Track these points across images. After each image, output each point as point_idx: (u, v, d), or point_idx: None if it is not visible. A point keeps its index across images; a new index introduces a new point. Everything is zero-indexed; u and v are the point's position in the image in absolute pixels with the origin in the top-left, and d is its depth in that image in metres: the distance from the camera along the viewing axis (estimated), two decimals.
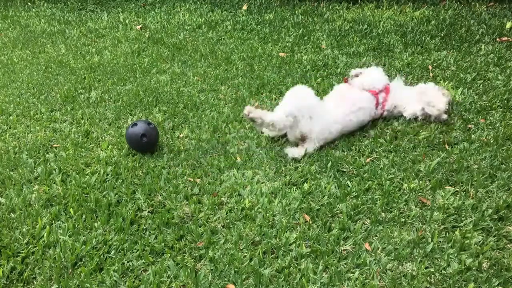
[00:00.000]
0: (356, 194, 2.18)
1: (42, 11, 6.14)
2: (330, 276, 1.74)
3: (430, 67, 3.50)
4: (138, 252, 1.91)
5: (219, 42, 4.47)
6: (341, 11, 5.12)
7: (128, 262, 1.88)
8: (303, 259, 1.83)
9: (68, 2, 6.41)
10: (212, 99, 3.26)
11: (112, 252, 1.92)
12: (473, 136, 2.56)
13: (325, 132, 2.52)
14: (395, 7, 5.01)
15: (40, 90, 3.59)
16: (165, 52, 4.28)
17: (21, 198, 2.27)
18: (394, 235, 1.93)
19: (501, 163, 2.31)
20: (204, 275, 1.79)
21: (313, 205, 2.12)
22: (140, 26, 5.17)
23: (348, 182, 2.27)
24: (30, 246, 1.98)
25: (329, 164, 2.39)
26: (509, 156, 2.36)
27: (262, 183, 2.32)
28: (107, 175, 2.44)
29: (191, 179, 2.37)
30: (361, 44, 4.09)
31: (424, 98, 2.72)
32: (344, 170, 2.37)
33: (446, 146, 2.50)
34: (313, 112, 2.49)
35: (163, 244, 1.95)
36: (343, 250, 1.88)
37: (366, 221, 2.03)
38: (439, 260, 1.80)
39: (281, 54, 4.02)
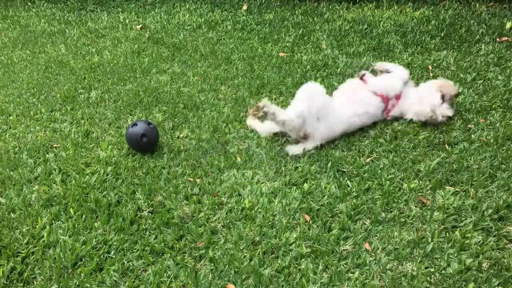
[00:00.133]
0: (356, 194, 2.18)
1: (42, 11, 6.14)
2: (330, 276, 1.74)
3: (430, 67, 3.50)
4: (138, 252, 1.91)
5: (219, 42, 4.47)
6: (341, 11, 5.12)
7: (128, 262, 1.88)
8: (303, 259, 1.83)
9: (68, 2, 6.41)
10: (212, 99, 3.26)
11: (112, 252, 1.92)
12: (473, 136, 2.56)
13: (329, 132, 2.54)
14: (395, 7, 5.01)
15: (40, 90, 3.59)
16: (165, 52, 4.28)
17: (21, 198, 2.27)
18: (394, 235, 1.93)
19: (501, 163, 2.32)
20: (204, 275, 1.79)
21: (313, 205, 2.12)
22: (140, 26, 5.17)
23: (348, 182, 2.27)
24: (30, 246, 1.98)
25: (329, 164, 2.39)
26: (509, 156, 2.36)
27: (262, 183, 2.32)
28: (107, 175, 2.44)
29: (191, 179, 2.37)
30: (361, 44, 4.09)
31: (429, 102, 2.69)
32: (344, 170, 2.37)
33: (446, 146, 2.50)
34: (322, 113, 2.49)
35: (163, 244, 1.95)
36: (343, 250, 1.88)
37: (366, 221, 2.03)
38: (439, 260, 1.80)
39: (281, 54, 4.02)
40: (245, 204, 2.15)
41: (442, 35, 4.12)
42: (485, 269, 1.75)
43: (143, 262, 1.87)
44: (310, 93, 2.51)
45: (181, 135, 2.81)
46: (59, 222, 2.12)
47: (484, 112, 2.80)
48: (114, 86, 3.58)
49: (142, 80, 3.67)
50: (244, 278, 1.77)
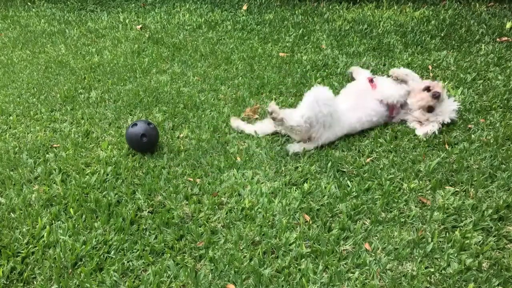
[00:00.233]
0: (356, 194, 2.18)
1: (42, 11, 6.14)
2: (330, 276, 1.74)
3: (430, 67, 3.50)
4: (138, 252, 1.91)
5: (219, 42, 4.47)
6: (341, 11, 5.12)
7: (128, 262, 1.88)
8: (303, 259, 1.83)
9: (68, 2, 6.41)
10: (212, 99, 3.26)
11: (112, 252, 1.92)
12: (473, 136, 2.56)
13: (333, 136, 2.56)
14: (395, 7, 5.01)
15: (40, 90, 3.59)
16: (165, 52, 4.28)
17: (21, 198, 2.27)
18: (394, 235, 1.93)
19: (501, 163, 2.31)
20: (204, 275, 1.79)
21: (313, 205, 2.12)
22: (140, 26, 5.17)
23: (348, 182, 2.27)
24: (30, 246, 1.98)
25: (329, 164, 2.39)
26: (509, 156, 2.36)
27: (262, 183, 2.32)
28: (107, 175, 2.44)
29: (191, 179, 2.37)
30: (361, 44, 4.09)
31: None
32: (344, 170, 2.37)
33: (446, 146, 2.50)
34: (329, 121, 2.50)
35: (163, 244, 1.95)
36: (343, 250, 1.88)
37: (366, 221, 2.03)
38: (439, 260, 1.80)
39: (281, 54, 4.02)
40: (245, 204, 2.15)
41: (442, 35, 4.12)
42: (485, 269, 1.75)
43: (143, 262, 1.87)
44: (319, 99, 2.46)
45: (181, 135, 2.81)
46: (59, 222, 2.12)
47: (484, 112, 2.80)
48: (114, 86, 3.58)
49: (142, 80, 3.67)
50: (244, 278, 1.77)
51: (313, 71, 3.60)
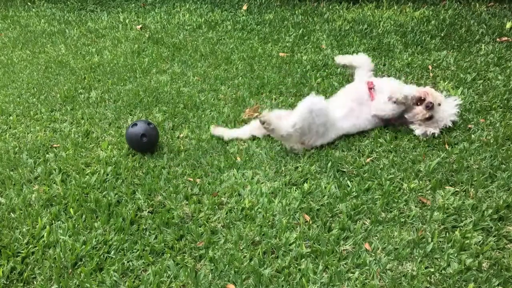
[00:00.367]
0: (356, 194, 2.18)
1: (42, 11, 6.14)
2: (330, 276, 1.74)
3: (430, 67, 3.50)
4: (138, 252, 1.91)
5: (219, 42, 4.47)
6: (341, 11, 5.12)
7: (128, 262, 1.88)
8: (303, 259, 1.83)
9: (68, 2, 6.41)
10: (212, 99, 3.26)
11: (112, 252, 1.92)
12: (473, 136, 2.56)
13: (326, 141, 2.57)
14: (395, 7, 5.01)
15: (40, 90, 3.59)
16: (165, 52, 4.28)
17: (21, 198, 2.27)
18: (394, 235, 1.93)
19: (501, 163, 2.31)
20: (204, 275, 1.79)
21: (313, 205, 2.12)
22: (140, 26, 5.17)
23: (348, 182, 2.27)
24: (30, 246, 1.98)
25: (329, 164, 2.39)
26: (509, 156, 2.36)
27: (262, 183, 2.32)
28: (107, 175, 2.44)
29: (191, 179, 2.37)
30: (361, 44, 4.09)
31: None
32: (344, 170, 2.37)
33: (446, 146, 2.50)
34: (322, 130, 2.50)
35: (163, 244, 1.95)
36: (343, 250, 1.88)
37: (366, 221, 2.03)
38: (439, 260, 1.80)
39: (281, 54, 4.02)
40: (245, 204, 2.15)
41: (442, 35, 4.12)
42: (485, 269, 1.75)
43: (143, 262, 1.87)
44: (313, 110, 2.45)
45: (181, 135, 2.81)
46: (59, 222, 2.12)
47: (484, 112, 2.80)
48: (114, 86, 3.58)
49: (142, 80, 3.67)
50: (244, 278, 1.77)
51: (313, 71, 3.60)
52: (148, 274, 1.81)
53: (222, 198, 2.22)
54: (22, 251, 1.94)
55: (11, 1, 6.75)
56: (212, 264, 1.84)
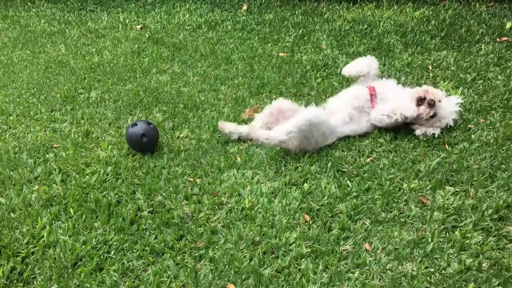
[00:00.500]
0: (356, 194, 2.18)
1: (42, 11, 6.14)
2: (330, 276, 1.74)
3: (430, 67, 3.50)
4: (138, 252, 1.91)
5: (219, 42, 4.47)
6: (341, 11, 5.12)
7: (128, 262, 1.88)
8: (303, 259, 1.83)
9: (68, 2, 6.41)
10: (212, 99, 3.26)
11: (112, 252, 1.92)
12: (473, 136, 2.56)
13: (324, 145, 2.57)
14: (395, 7, 5.01)
15: (40, 90, 3.59)
16: (165, 52, 4.28)
17: (21, 198, 2.27)
18: (394, 235, 1.93)
19: (501, 163, 2.31)
20: (204, 275, 1.79)
21: (313, 205, 2.12)
22: (140, 26, 5.17)
23: (348, 182, 2.27)
24: (30, 246, 1.98)
25: (329, 164, 2.39)
26: (509, 156, 2.36)
27: (262, 183, 2.32)
28: (107, 175, 2.44)
29: (191, 179, 2.37)
30: (361, 44, 4.09)
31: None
32: (344, 170, 2.37)
33: (446, 146, 2.50)
34: (321, 140, 2.51)
35: (163, 244, 1.95)
36: (343, 250, 1.88)
37: (366, 221, 2.03)
38: (439, 260, 1.80)
39: (281, 54, 4.02)
40: (245, 204, 2.15)
41: (442, 35, 4.12)
42: (485, 269, 1.75)
43: (143, 262, 1.87)
44: (312, 123, 2.43)
45: (181, 135, 2.81)
46: (59, 222, 2.12)
47: (484, 112, 2.80)
48: (114, 86, 3.58)
49: (142, 80, 3.67)
50: (244, 278, 1.77)
51: (313, 71, 3.60)
52: (148, 274, 1.81)
53: (222, 198, 2.22)
54: (22, 251, 1.94)
55: (11, 1, 6.75)
56: (212, 264, 1.84)
